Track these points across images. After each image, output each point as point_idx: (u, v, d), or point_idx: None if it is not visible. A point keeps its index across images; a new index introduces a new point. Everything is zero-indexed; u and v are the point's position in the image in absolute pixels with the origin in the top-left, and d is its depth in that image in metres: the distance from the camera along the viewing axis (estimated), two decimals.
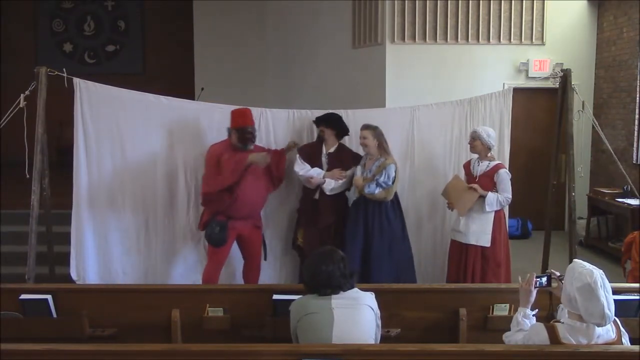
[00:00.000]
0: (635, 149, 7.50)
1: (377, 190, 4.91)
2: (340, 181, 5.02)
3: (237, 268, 5.24)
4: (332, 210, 5.05)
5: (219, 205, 4.78)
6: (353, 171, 5.06)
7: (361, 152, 5.15)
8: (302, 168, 5.09)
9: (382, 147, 4.99)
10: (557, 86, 5.28)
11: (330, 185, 5.00)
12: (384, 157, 4.98)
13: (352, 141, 5.29)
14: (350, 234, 4.97)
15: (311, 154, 5.14)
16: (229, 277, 5.21)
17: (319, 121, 5.14)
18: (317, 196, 5.07)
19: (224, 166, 4.71)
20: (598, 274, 2.69)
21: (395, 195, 5.06)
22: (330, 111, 5.20)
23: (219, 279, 4.97)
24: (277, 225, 5.42)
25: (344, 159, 5.09)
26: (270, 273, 5.39)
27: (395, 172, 4.97)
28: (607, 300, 2.65)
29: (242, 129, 4.82)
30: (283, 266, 5.49)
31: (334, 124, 5.10)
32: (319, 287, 3.03)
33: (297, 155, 5.14)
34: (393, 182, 4.95)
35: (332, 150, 5.13)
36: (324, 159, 5.11)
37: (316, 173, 5.04)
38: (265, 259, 5.18)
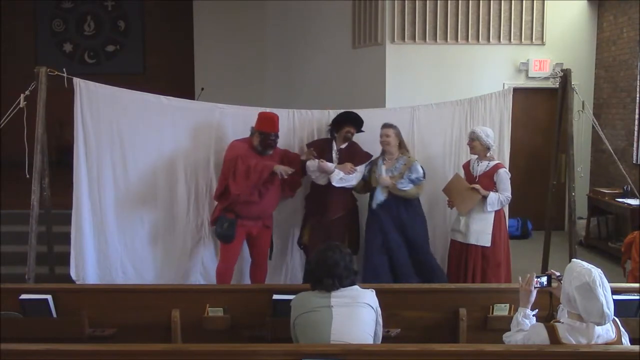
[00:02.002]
0: (635, 149, 7.50)
1: (410, 187, 4.95)
2: (349, 175, 4.98)
3: (246, 267, 5.24)
4: (340, 204, 5.04)
5: (235, 204, 4.78)
6: (365, 169, 5.05)
7: (369, 150, 5.16)
8: (313, 163, 5.05)
9: (403, 145, 5.06)
10: (557, 86, 5.28)
11: (339, 175, 4.95)
12: (406, 155, 5.03)
13: (359, 140, 5.26)
14: (375, 236, 4.96)
15: (322, 149, 5.12)
16: (236, 276, 5.20)
17: (346, 122, 5.06)
18: (328, 186, 5.01)
19: (251, 170, 4.67)
20: (596, 272, 2.69)
21: None
22: (348, 110, 5.17)
23: (232, 276, 4.99)
24: (280, 224, 5.40)
25: (355, 155, 5.08)
26: (273, 273, 5.36)
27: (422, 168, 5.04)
28: (606, 299, 2.65)
29: (266, 135, 4.82)
30: (286, 267, 5.48)
31: (359, 123, 5.08)
32: (322, 275, 3.04)
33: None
34: (424, 177, 5.02)
35: (343, 146, 5.13)
36: (334, 154, 5.10)
37: (327, 166, 5.01)
38: (270, 259, 5.20)
